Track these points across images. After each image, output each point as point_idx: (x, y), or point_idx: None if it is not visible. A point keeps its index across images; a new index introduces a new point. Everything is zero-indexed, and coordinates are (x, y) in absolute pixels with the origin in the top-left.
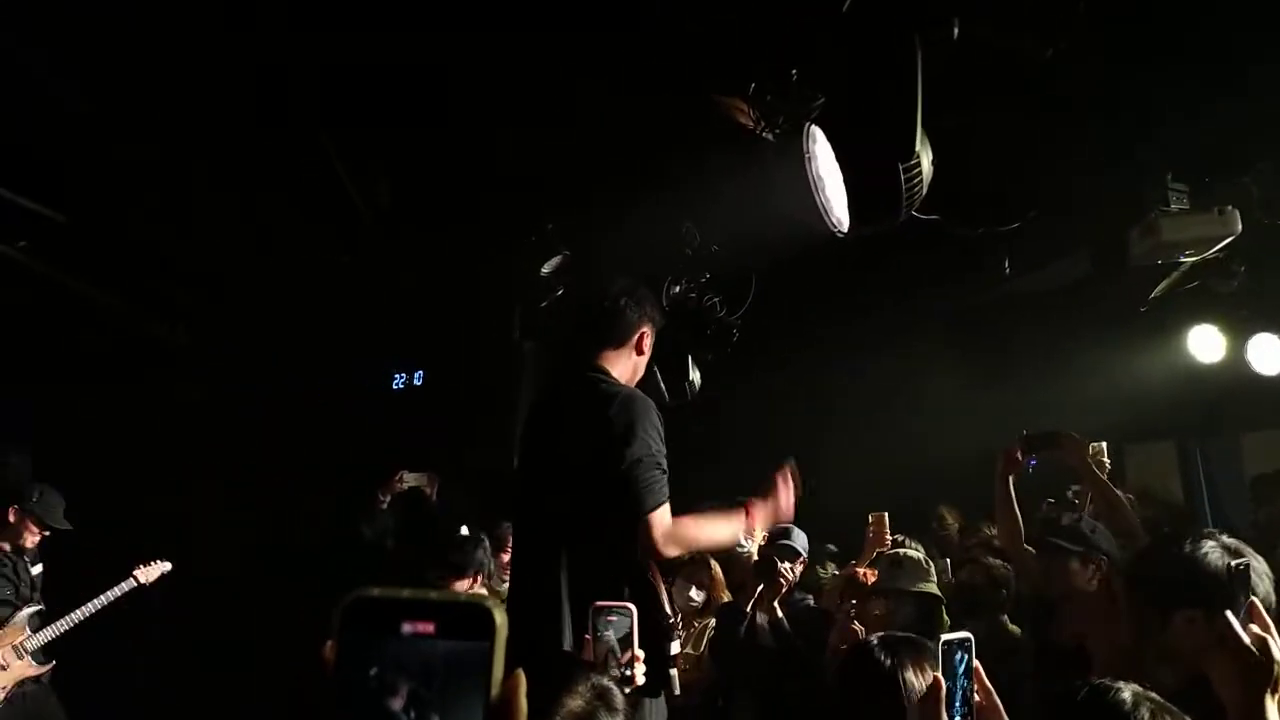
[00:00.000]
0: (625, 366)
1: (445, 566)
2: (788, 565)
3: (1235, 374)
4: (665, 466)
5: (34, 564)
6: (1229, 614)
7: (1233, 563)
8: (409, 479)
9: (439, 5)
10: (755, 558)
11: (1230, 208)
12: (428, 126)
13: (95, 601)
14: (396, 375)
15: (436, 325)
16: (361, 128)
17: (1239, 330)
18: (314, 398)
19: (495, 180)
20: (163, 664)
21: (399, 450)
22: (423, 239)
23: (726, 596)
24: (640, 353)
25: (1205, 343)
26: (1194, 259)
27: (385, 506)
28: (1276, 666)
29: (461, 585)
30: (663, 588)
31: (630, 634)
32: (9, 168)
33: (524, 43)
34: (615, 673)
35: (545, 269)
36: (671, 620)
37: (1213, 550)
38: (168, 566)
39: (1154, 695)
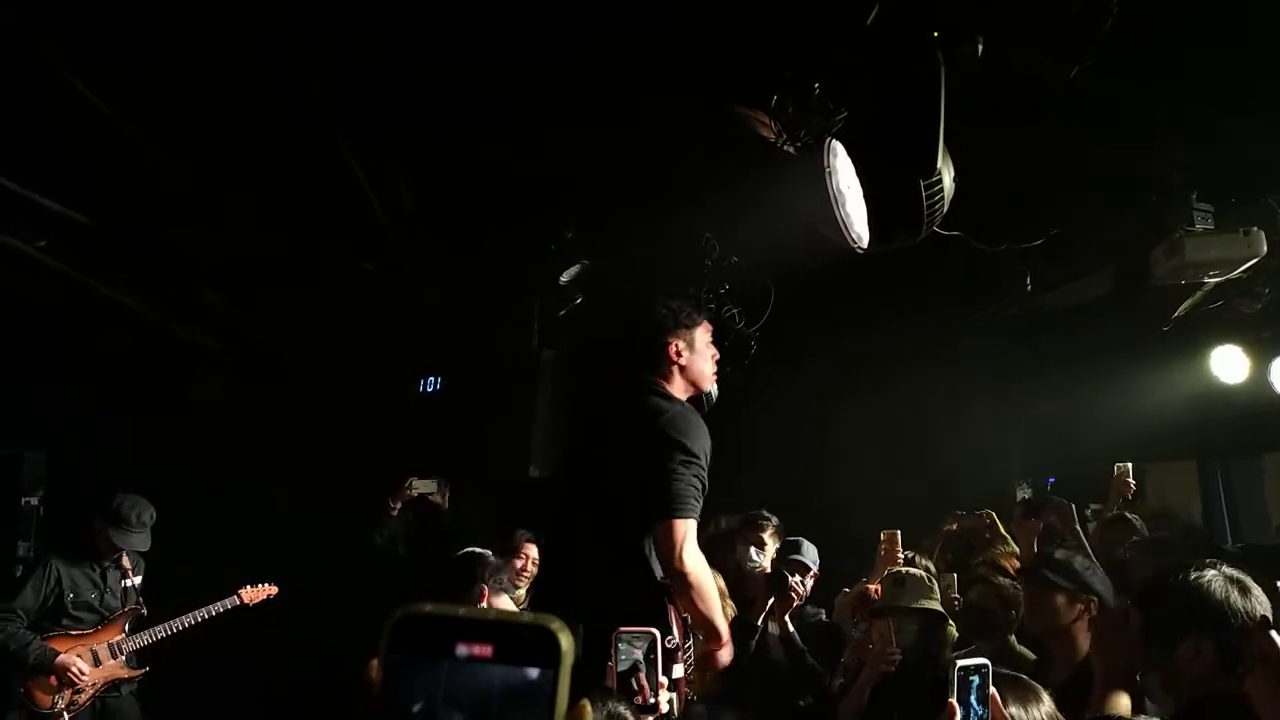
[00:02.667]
0: (676, 382)
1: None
2: (798, 579)
3: (1258, 395)
4: (704, 485)
5: (136, 573)
6: (1273, 633)
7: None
8: (418, 486)
9: (463, 9)
10: (767, 571)
11: (1256, 229)
12: (449, 132)
13: (195, 613)
14: (421, 380)
15: (455, 332)
16: (383, 133)
17: (1263, 351)
18: (332, 403)
19: (515, 187)
20: (166, 664)
21: (414, 456)
22: (442, 246)
23: (731, 609)
24: (678, 363)
25: (1228, 363)
26: (1218, 279)
27: (396, 513)
28: None
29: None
30: (674, 611)
31: (654, 659)
32: (37, 169)
33: (546, 49)
34: (638, 700)
35: (564, 277)
36: (679, 644)
37: (1215, 579)
38: (274, 590)
39: None
